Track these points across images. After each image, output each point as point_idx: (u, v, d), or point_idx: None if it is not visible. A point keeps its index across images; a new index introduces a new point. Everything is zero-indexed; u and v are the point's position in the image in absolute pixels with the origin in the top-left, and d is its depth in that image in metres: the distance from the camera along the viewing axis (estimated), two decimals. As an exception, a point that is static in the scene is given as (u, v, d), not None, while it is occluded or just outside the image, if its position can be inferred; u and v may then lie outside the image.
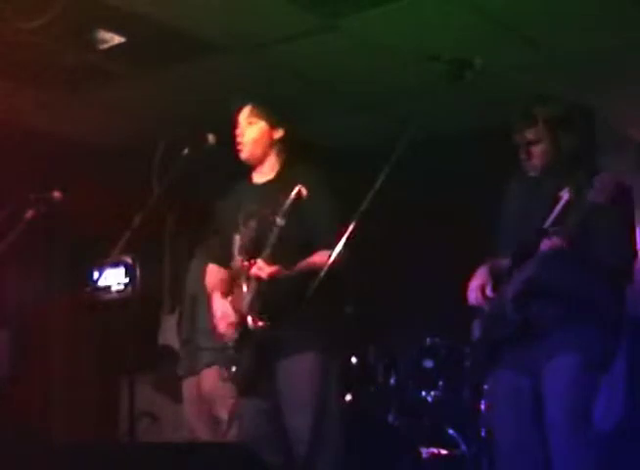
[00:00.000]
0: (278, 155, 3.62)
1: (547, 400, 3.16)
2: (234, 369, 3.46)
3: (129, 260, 5.45)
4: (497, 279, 3.29)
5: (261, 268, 3.33)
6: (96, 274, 5.09)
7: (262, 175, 3.62)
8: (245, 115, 3.60)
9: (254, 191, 3.59)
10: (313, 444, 3.36)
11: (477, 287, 3.33)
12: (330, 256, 3.39)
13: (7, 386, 6.01)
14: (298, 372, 3.41)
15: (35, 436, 5.90)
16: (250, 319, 3.35)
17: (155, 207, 3.38)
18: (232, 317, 3.43)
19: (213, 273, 3.70)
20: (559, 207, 3.12)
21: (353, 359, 5.05)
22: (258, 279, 3.34)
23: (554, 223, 3.13)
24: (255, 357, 3.41)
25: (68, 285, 6.41)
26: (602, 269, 3.15)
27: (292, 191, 3.30)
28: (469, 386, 4.71)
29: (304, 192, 3.29)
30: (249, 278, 3.38)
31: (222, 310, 3.48)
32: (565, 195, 3.08)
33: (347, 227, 2.90)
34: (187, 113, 3.62)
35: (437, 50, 3.13)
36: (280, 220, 3.29)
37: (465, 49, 3.16)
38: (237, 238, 3.52)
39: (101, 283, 5.64)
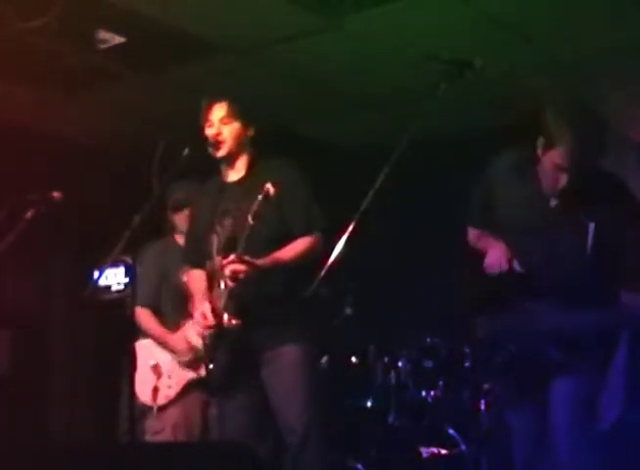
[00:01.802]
0: (249, 152, 3.66)
1: (552, 404, 3.14)
2: (211, 367, 3.49)
3: (129, 260, 5.46)
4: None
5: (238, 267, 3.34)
6: (96, 274, 5.09)
7: (236, 173, 3.65)
8: (220, 114, 3.60)
9: (229, 189, 3.60)
10: (304, 433, 3.39)
11: (503, 253, 3.23)
12: (305, 243, 3.47)
13: (7, 386, 6.00)
14: (286, 363, 3.44)
15: (35, 436, 5.90)
16: (225, 318, 3.37)
17: (155, 207, 3.38)
18: (210, 320, 3.44)
19: (197, 278, 3.70)
20: None
21: (353, 359, 5.06)
22: (235, 277, 3.35)
23: None
24: (234, 354, 3.44)
25: (68, 285, 6.41)
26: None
27: (263, 188, 3.35)
28: (469, 386, 4.71)
29: (272, 190, 3.34)
30: (225, 277, 3.39)
31: (201, 312, 3.49)
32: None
33: (347, 227, 2.89)
34: (187, 113, 3.61)
35: (437, 50, 3.13)
36: (251, 220, 3.32)
37: (465, 49, 3.16)
38: (214, 237, 3.52)
39: (101, 283, 5.65)
